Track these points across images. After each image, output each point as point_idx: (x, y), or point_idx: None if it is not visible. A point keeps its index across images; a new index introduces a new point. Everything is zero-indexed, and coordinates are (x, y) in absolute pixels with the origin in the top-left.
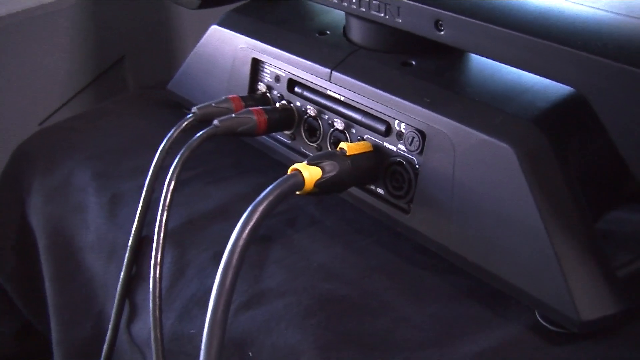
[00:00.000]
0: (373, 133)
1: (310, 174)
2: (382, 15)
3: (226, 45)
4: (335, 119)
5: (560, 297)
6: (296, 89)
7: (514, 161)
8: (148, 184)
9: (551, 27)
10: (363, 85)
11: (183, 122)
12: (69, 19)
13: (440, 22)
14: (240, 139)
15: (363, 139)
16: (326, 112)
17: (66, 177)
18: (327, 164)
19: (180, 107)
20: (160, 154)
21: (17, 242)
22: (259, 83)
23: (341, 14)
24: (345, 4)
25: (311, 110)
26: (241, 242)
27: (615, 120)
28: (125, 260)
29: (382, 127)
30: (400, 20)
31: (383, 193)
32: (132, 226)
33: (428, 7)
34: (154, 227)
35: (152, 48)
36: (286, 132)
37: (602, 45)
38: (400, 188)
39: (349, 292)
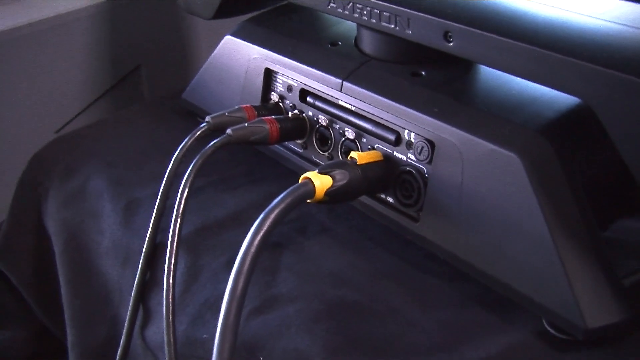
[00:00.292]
0: (383, 142)
1: (321, 182)
2: (393, 26)
3: (240, 56)
4: (346, 129)
5: (566, 304)
6: (308, 99)
7: (521, 170)
8: (162, 191)
9: (558, 38)
10: (374, 95)
11: (197, 131)
12: (86, 28)
13: (449, 33)
14: (254, 147)
15: (373, 149)
16: (337, 121)
17: (82, 183)
18: (338, 173)
19: (194, 116)
20: (174, 161)
21: (34, 247)
22: (272, 93)
23: (353, 25)
24: (357, 16)
25: (323, 119)
26: (253, 249)
27: (621, 131)
28: (140, 265)
29: (392, 137)
30: (410, 32)
31: (393, 201)
32: (147, 232)
33: (437, 18)
34: (168, 234)
35: (167, 57)
36: (298, 141)
37: (608, 57)
38: (409, 197)
39: (359, 298)
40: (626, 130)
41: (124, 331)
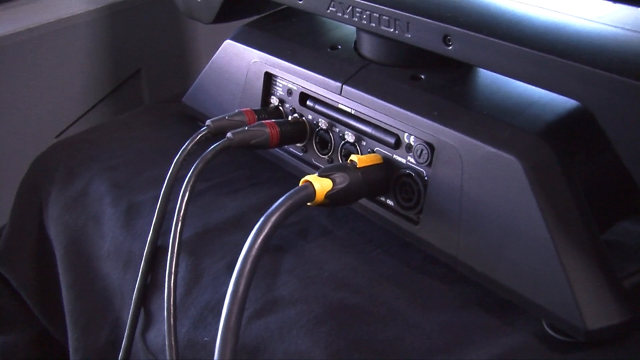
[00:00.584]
0: (383, 145)
1: (322, 185)
2: (392, 30)
3: (240, 60)
4: (346, 132)
5: (566, 306)
6: (308, 103)
7: (521, 173)
8: (163, 195)
9: (557, 41)
10: (373, 98)
11: (197, 135)
12: (86, 33)
13: (448, 37)
14: (254, 151)
15: (373, 152)
16: (337, 125)
17: (83, 187)
18: (338, 176)
19: (194, 120)
20: (175, 165)
21: (35, 251)
22: (272, 97)
23: (352, 29)
24: (356, 20)
25: (323, 123)
26: (254, 252)
27: (620, 134)
28: (141, 269)
29: (391, 140)
30: (409, 36)
31: (393, 204)
32: (148, 236)
33: (437, 22)
34: (169, 237)
35: (167, 62)
36: (298, 144)
37: (607, 60)
38: (409, 199)
39: (360, 300)
40: (625, 133)
41: (125, 334)
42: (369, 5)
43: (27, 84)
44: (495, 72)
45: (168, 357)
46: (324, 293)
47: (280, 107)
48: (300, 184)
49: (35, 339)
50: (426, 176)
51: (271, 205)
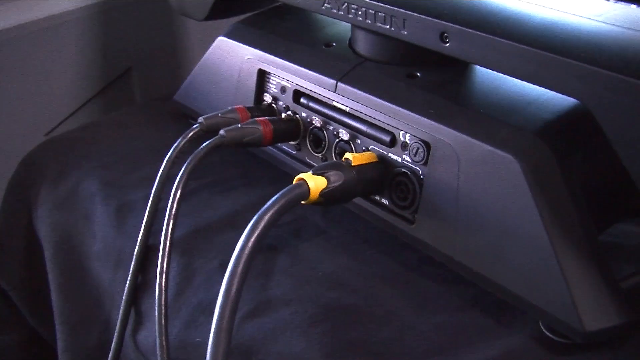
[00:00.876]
0: (378, 144)
1: (316, 183)
2: (388, 27)
3: (233, 57)
4: (340, 130)
5: (564, 307)
6: (302, 100)
7: (519, 173)
8: (154, 193)
9: (556, 39)
10: (368, 96)
11: (189, 132)
12: (76, 30)
13: (445, 34)
14: (247, 149)
15: (368, 150)
16: (331, 123)
17: (73, 186)
18: (333, 174)
19: (186, 117)
20: (166, 163)
21: (24, 251)
22: (265, 94)
23: (347, 26)
24: (351, 16)
25: (317, 121)
26: (247, 251)
27: (619, 133)
28: (132, 268)
29: (387, 138)
30: (406, 33)
31: (388, 203)
32: (139, 235)
33: (434, 19)
34: (161, 236)
35: (159, 59)
36: (292, 142)
37: (608, 58)
38: (405, 198)
39: (355, 301)
40: (624, 132)
41: (115, 335)
42: (365, 1)
43: (17, 81)
44: (493, 70)
45: (159, 358)
46: (318, 293)
47: (274, 105)
48: (294, 182)
49: (24, 340)
50: (422, 175)
51: (264, 204)
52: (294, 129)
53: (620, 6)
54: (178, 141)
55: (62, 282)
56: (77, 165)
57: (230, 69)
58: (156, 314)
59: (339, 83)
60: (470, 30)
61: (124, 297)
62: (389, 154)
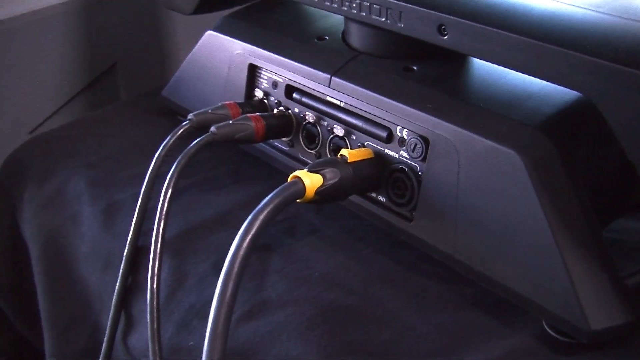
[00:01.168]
0: (374, 140)
1: (312, 181)
2: (384, 19)
3: (222, 51)
4: (334, 126)
5: (569, 306)
6: (294, 95)
7: (522, 168)
8: (144, 192)
9: (558, 31)
10: (364, 90)
11: (179, 129)
12: (60, 25)
13: (443, 26)
14: (238, 146)
15: (364, 146)
16: (325, 118)
17: (59, 186)
18: (329, 171)
19: (174, 114)
20: (156, 161)
21: (8, 253)
22: (256, 89)
23: (340, 18)
24: (345, 9)
25: (310, 116)
26: (242, 251)
27: (625, 126)
28: (121, 270)
29: (383, 134)
30: (402, 25)
31: (385, 201)
32: (128, 236)
33: (431, 11)
34: (151, 237)
35: (144, 55)
36: (284, 139)
37: (612, 50)
38: (402, 196)
39: (353, 301)
40: (630, 125)
41: (105, 339)
42: None
43: None
44: (493, 63)
45: None
46: (315, 294)
47: (265, 100)
48: (289, 180)
49: (10, 345)
50: (420, 171)
51: (258, 202)
52: (286, 125)
53: None
54: (168, 138)
55: (49, 285)
56: (62, 164)
57: (220, 64)
58: (148, 317)
59: (333, 77)
60: (469, 22)
61: (113, 300)
62: (386, 150)
